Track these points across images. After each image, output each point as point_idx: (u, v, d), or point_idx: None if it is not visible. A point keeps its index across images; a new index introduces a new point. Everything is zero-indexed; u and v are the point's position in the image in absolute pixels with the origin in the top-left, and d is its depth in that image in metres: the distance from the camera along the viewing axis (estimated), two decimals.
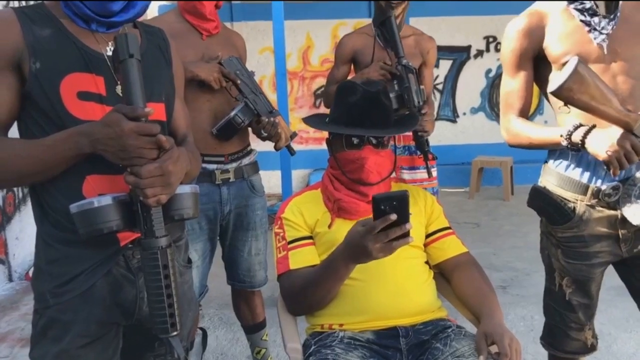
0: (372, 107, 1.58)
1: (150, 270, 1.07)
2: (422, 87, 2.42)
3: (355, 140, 1.57)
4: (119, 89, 1.15)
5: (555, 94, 1.38)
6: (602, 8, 1.49)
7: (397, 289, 1.49)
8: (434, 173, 2.55)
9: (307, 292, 1.50)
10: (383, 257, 1.28)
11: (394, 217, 1.23)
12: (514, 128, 1.63)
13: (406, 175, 2.60)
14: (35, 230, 1.22)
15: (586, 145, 1.42)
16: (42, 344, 1.19)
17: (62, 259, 1.17)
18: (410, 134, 2.46)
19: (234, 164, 2.09)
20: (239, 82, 2.01)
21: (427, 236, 1.64)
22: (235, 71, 2.02)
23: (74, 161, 1.11)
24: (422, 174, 2.58)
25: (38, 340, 1.20)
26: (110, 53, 1.16)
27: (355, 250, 1.31)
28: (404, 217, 1.24)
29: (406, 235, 1.26)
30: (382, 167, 1.59)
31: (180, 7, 2.04)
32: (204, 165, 2.01)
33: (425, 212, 1.66)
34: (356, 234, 1.29)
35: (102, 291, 1.19)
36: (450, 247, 1.63)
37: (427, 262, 1.64)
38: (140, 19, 1.27)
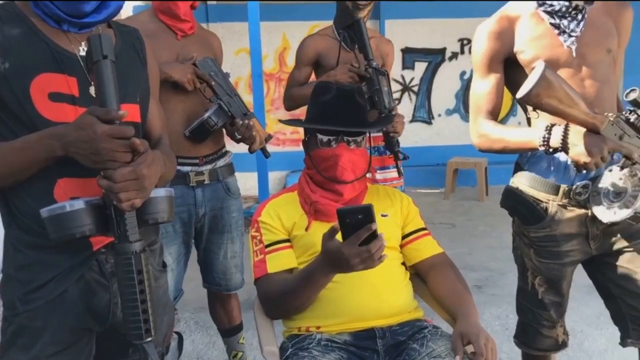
0: (347, 105, 1.58)
1: (124, 275, 1.05)
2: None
3: (330, 138, 1.57)
4: (92, 90, 1.13)
5: (524, 100, 1.40)
6: (568, 12, 1.51)
7: (374, 290, 1.50)
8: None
9: (285, 299, 1.50)
10: (364, 269, 1.29)
11: (374, 226, 1.24)
12: (485, 131, 1.61)
13: (378, 175, 2.61)
14: (3, 235, 1.18)
15: (568, 150, 1.42)
16: (12, 352, 1.16)
17: (32, 264, 1.14)
18: (381, 135, 2.48)
19: (209, 166, 2.07)
20: (213, 83, 1.99)
21: (403, 237, 1.65)
22: (210, 72, 2.00)
23: (45, 164, 1.08)
24: (392, 173, 2.60)
25: (7, 348, 1.17)
26: (83, 53, 1.13)
27: (335, 263, 1.32)
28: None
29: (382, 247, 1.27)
30: (357, 166, 1.59)
31: (155, 7, 2.02)
32: (178, 167, 1.98)
33: (401, 213, 1.66)
34: (336, 251, 1.29)
35: (74, 297, 1.16)
36: (426, 248, 1.64)
37: (403, 263, 1.65)
38: (114, 19, 1.25)
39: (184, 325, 3.07)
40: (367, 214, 1.24)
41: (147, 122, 1.30)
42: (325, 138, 1.58)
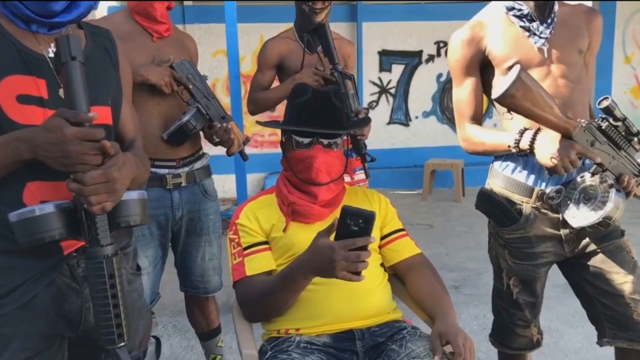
0: (323, 107, 1.58)
1: (95, 279, 1.03)
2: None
3: (305, 140, 1.57)
4: (61, 92, 1.11)
5: (499, 101, 1.43)
6: (535, 13, 1.54)
7: (353, 292, 1.49)
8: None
9: (264, 301, 1.49)
10: (343, 277, 1.27)
11: (372, 240, 1.24)
12: (469, 136, 1.67)
13: (346, 177, 2.62)
14: None
15: (535, 152, 1.47)
16: None
17: (1, 270, 1.11)
18: (348, 138, 2.48)
19: (186, 169, 2.05)
20: (191, 86, 1.97)
21: (382, 238, 1.65)
22: (187, 75, 1.98)
23: (13, 168, 1.06)
24: (358, 175, 2.61)
25: None
26: (52, 54, 1.11)
27: (321, 264, 1.30)
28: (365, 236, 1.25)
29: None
30: (332, 167, 1.58)
31: (130, 8, 1.98)
32: (155, 170, 1.96)
33: (380, 214, 1.66)
34: (327, 247, 1.27)
35: (45, 302, 1.14)
36: (405, 249, 1.65)
37: (382, 264, 1.65)
38: (88, 20, 1.23)
39: (161, 329, 3.03)
40: (368, 222, 1.24)
41: (119, 124, 1.27)
42: (300, 140, 1.58)
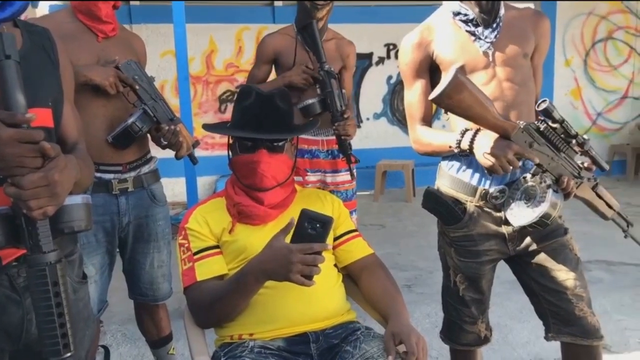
0: (266, 110, 1.56)
1: (38, 288, 0.98)
2: (343, 91, 2.46)
3: (249, 144, 1.55)
4: None
5: (436, 101, 1.46)
6: (479, 18, 1.58)
7: (307, 295, 1.48)
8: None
9: (216, 306, 1.46)
10: (296, 281, 1.27)
11: (328, 247, 1.25)
12: (419, 137, 1.69)
13: (329, 178, 2.63)
14: None
15: (474, 152, 1.51)
16: None
17: None
18: (334, 138, 2.50)
19: (133, 173, 1.99)
20: (137, 87, 1.92)
21: (335, 239, 1.65)
22: (134, 76, 1.92)
23: None
24: (343, 176, 2.63)
25: None
26: None
27: (276, 265, 1.29)
28: (321, 241, 1.26)
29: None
30: (278, 171, 1.56)
31: (73, 7, 1.91)
32: (100, 174, 1.90)
33: (333, 215, 1.66)
34: (284, 248, 1.27)
35: None
36: (357, 249, 1.65)
37: (335, 265, 1.65)
38: (28, 19, 1.17)
39: (110, 338, 2.94)
40: (326, 227, 1.25)
41: (61, 127, 1.22)
42: (245, 144, 1.56)
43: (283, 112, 1.60)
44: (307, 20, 2.41)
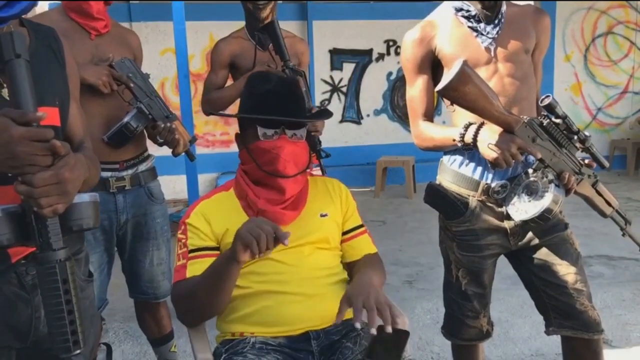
0: (289, 95, 1.51)
1: (48, 286, 0.99)
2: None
3: (270, 131, 1.47)
4: (5, 92, 1.06)
5: (442, 93, 1.47)
6: (482, 14, 1.60)
7: (314, 299, 1.46)
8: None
9: (193, 298, 1.41)
10: (243, 258, 1.26)
11: (287, 243, 1.24)
12: (421, 132, 1.70)
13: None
14: None
15: (477, 145, 1.52)
16: None
17: None
18: None
19: (130, 171, 2.00)
20: (131, 85, 1.91)
21: (343, 234, 1.61)
22: (128, 74, 1.91)
23: None
24: (315, 172, 2.62)
25: None
26: None
27: (234, 242, 1.26)
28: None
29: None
30: (299, 158, 1.50)
31: (64, 6, 1.90)
32: None
33: (341, 209, 1.61)
34: (247, 221, 1.27)
35: None
36: (361, 247, 1.61)
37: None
38: (28, 18, 1.18)
39: (112, 336, 2.95)
40: (397, 343, 1.27)
41: (67, 125, 1.23)
42: (266, 130, 1.48)
43: (302, 98, 1.56)
44: (255, 22, 2.42)
